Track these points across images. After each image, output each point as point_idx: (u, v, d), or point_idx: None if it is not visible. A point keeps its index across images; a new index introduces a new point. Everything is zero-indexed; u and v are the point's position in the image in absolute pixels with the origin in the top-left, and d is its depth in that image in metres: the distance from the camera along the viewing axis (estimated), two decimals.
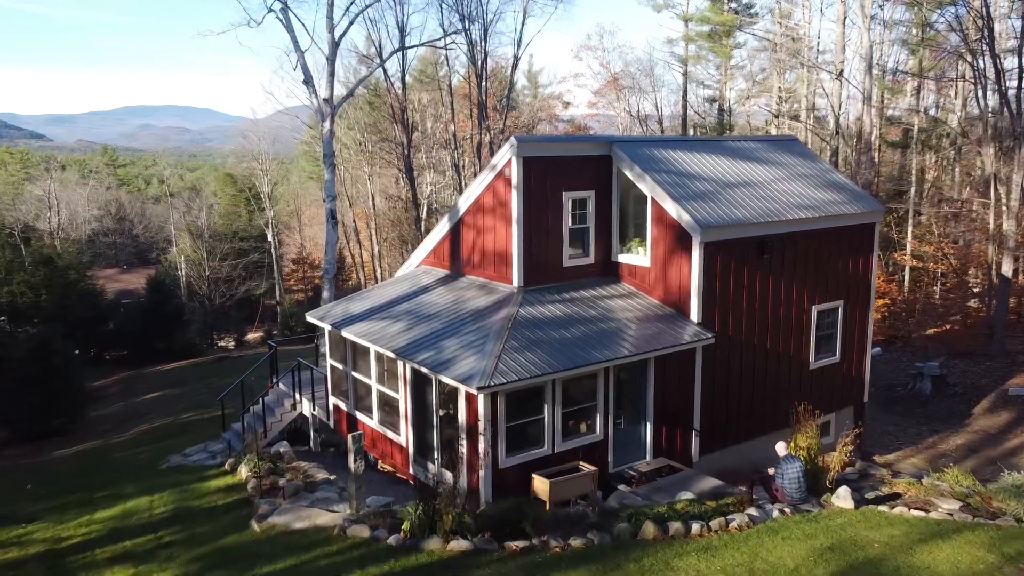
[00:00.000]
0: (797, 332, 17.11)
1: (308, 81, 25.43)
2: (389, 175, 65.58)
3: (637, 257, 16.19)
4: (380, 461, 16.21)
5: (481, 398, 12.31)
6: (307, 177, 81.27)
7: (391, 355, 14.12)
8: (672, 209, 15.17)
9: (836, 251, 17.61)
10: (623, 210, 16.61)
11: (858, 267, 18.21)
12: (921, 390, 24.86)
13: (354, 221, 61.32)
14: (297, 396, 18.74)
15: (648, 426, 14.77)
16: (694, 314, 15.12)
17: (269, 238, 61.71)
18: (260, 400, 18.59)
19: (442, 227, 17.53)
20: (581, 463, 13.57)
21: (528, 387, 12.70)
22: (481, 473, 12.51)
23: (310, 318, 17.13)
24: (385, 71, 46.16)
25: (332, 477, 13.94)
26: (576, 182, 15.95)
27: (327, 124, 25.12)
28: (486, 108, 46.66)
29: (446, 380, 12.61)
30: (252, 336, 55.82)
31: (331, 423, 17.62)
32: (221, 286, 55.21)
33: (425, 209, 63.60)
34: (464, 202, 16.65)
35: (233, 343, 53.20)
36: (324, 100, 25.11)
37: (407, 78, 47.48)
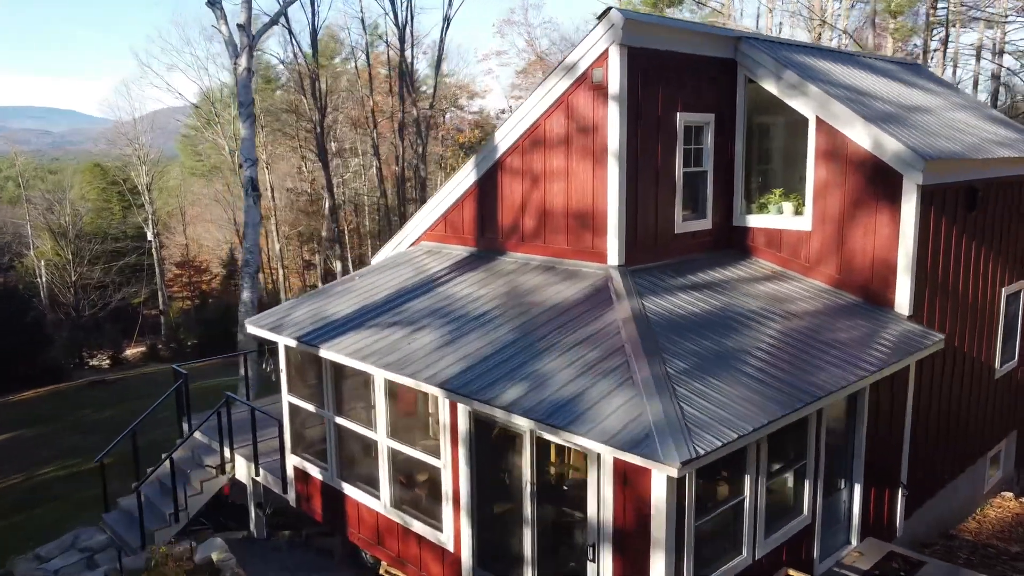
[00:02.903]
0: (988, 325, 11.73)
1: (215, 2, 18.38)
2: (288, 165, 58.00)
3: (783, 218, 10.36)
4: (388, 565, 9.68)
5: (663, 478, 6.14)
6: (189, 173, 72.36)
7: (436, 392, 7.68)
8: (863, 134, 9.41)
9: None
10: (749, 147, 10.78)
11: None
12: None
13: None
14: (226, 452, 11.92)
15: (856, 490, 8.93)
16: (902, 302, 9.40)
17: (149, 237, 52.76)
18: (169, 461, 11.64)
19: (461, 182, 11.15)
20: (790, 572, 7.58)
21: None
22: None
23: (254, 328, 10.38)
24: (291, 31, 38.82)
25: None
26: (692, 98, 9.99)
27: (243, 60, 18.15)
28: (411, 77, 40.07)
29: (586, 444, 6.32)
30: (131, 352, 46.98)
31: (290, 496, 10.91)
32: (91, 293, 46.04)
33: (327, 203, 56.52)
34: (506, 136, 10.36)
35: (108, 361, 44.26)
36: (239, 26, 18.11)
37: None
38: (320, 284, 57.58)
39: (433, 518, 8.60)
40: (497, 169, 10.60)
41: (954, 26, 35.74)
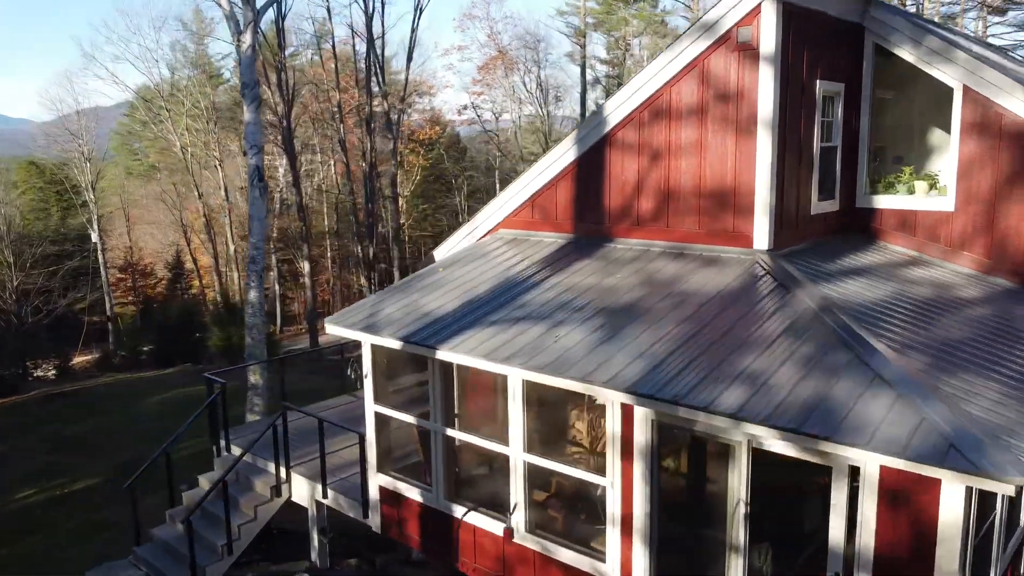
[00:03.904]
0: None
1: None
2: (237, 163, 55.58)
3: (918, 199, 9.46)
4: None
5: (959, 495, 5.09)
6: (126, 173, 69.12)
7: (618, 397, 6.47)
8: (1022, 104, 8.57)
9: None
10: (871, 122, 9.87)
11: None
12: None
13: (206, 216, 50.53)
14: (281, 471, 10.45)
15: None
16: None
17: (94, 239, 49.65)
18: (222, 485, 10.10)
19: (554, 162, 9.94)
20: None
21: None
22: None
23: (336, 327, 8.94)
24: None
25: None
26: (828, 65, 9.04)
27: (247, 37, 16.53)
28: (382, 69, 38.46)
29: (861, 456, 5.22)
30: (79, 361, 44.03)
31: (372, 521, 9.51)
32: (35, 300, 42.94)
33: (279, 203, 54.63)
34: (618, 108, 9.20)
35: (53, 372, 41.24)
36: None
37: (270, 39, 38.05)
38: (276, 287, 55.40)
39: (588, 545, 7.38)
40: (604, 145, 9.44)
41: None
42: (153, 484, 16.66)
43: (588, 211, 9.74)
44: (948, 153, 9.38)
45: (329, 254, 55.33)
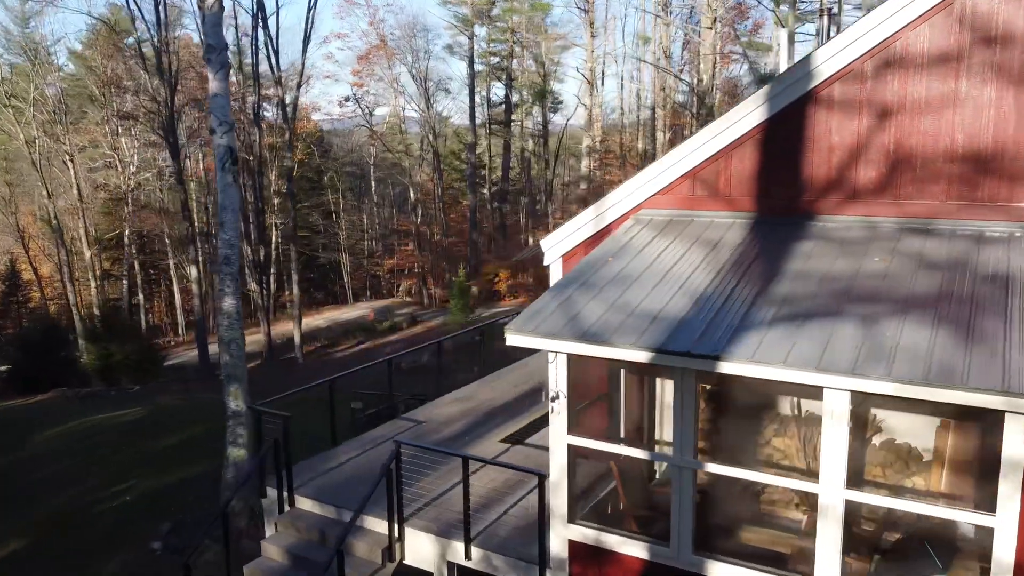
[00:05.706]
0: None
1: None
2: (85, 158, 49.74)
3: None
4: None
5: None
6: None
7: None
8: None
9: None
10: None
11: None
12: None
13: (56, 219, 44.25)
14: (395, 528, 8.10)
15: None
16: None
17: None
18: (337, 557, 7.61)
19: (727, 128, 8.17)
20: None
21: None
22: None
23: (524, 337, 6.65)
24: None
25: None
26: None
27: None
28: (276, 48, 35.01)
29: None
30: None
31: None
32: None
33: (129, 203, 49.44)
34: (828, 60, 7.60)
35: None
36: None
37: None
38: (141, 296, 49.88)
39: None
40: (806, 104, 7.82)
41: None
42: (99, 542, 13.45)
43: (776, 184, 8.09)
44: None
45: (200, 257, 50.42)
